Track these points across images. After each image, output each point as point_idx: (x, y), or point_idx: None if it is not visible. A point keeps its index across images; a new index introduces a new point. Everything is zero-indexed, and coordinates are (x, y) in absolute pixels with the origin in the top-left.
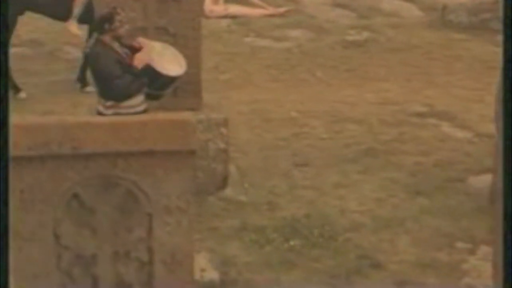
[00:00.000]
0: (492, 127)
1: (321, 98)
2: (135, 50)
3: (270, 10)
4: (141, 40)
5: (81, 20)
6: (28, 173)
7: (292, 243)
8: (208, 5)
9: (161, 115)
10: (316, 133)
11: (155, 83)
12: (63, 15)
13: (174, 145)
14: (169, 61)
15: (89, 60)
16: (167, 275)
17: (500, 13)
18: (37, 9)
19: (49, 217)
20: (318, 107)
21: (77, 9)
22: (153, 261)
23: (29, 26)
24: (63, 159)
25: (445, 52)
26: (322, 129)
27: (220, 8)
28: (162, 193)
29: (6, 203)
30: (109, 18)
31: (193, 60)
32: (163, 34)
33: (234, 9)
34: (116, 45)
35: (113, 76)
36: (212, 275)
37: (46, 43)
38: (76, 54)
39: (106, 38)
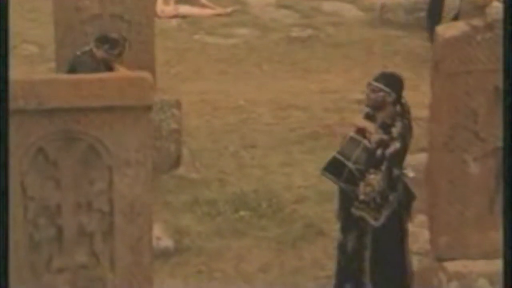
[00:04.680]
0: (426, 112)
1: (267, 89)
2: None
3: (218, 10)
4: (120, 68)
5: None
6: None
7: (241, 213)
8: (160, 6)
9: (120, 73)
10: (263, 119)
11: None
12: None
13: (132, 101)
14: None
15: (73, 62)
16: (126, 224)
17: None
18: None
19: (15, 170)
20: (264, 96)
21: None
22: (114, 211)
23: None
24: (28, 114)
25: (383, 47)
26: (269, 115)
27: (170, 8)
28: (121, 147)
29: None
30: (112, 43)
31: (147, 46)
32: (118, 21)
33: (184, 9)
34: (101, 64)
35: None
36: (167, 242)
37: None
38: (33, 50)
39: (99, 53)
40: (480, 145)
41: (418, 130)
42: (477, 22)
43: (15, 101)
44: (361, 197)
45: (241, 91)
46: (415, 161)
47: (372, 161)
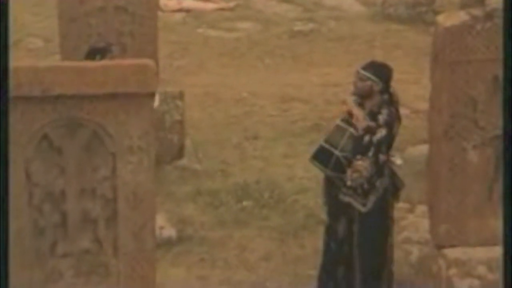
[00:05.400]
0: (426, 105)
1: (270, 82)
2: None
3: (221, 4)
4: None
5: None
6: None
7: (244, 203)
8: (163, 0)
9: (124, 61)
10: (265, 111)
11: None
12: None
13: (135, 88)
14: None
15: None
16: (130, 211)
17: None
18: None
19: (20, 156)
20: (267, 89)
21: None
22: (117, 198)
23: None
24: (33, 101)
25: (384, 41)
26: (271, 107)
27: (174, 2)
28: (124, 134)
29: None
30: (102, 52)
31: (150, 38)
32: (122, 13)
33: (187, 3)
34: None
35: None
36: (170, 232)
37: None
38: (38, 44)
39: None
40: (480, 134)
41: (419, 123)
42: (477, 11)
43: (19, 88)
44: (349, 183)
45: (243, 84)
46: (417, 153)
47: (359, 148)
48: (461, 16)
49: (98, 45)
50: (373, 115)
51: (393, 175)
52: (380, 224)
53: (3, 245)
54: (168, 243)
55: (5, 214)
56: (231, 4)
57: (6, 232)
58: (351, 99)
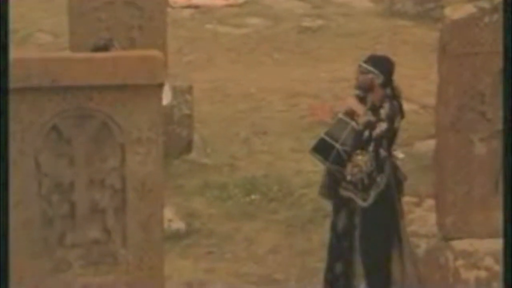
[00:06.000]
0: (434, 100)
1: (278, 77)
2: None
3: (230, 0)
4: None
5: None
6: (10, 105)
7: (252, 197)
8: None
9: (132, 52)
10: (273, 106)
11: None
12: None
13: (143, 79)
14: None
15: None
16: (138, 201)
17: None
18: None
19: (30, 146)
20: (275, 84)
21: None
22: (126, 188)
23: None
24: (42, 92)
25: (392, 37)
26: (279, 102)
27: None
28: (133, 124)
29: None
30: (104, 49)
31: (159, 32)
32: (131, 7)
33: None
34: None
35: None
36: (178, 225)
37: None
38: (48, 39)
39: None
40: (487, 126)
41: (427, 118)
42: (484, 4)
43: (29, 79)
44: (348, 177)
45: (252, 79)
46: (424, 148)
47: (359, 143)
48: (469, 9)
49: (99, 43)
50: (375, 109)
51: (395, 168)
52: (383, 218)
53: (3, 237)
54: (176, 236)
55: (5, 205)
56: (240, 0)
57: (6, 225)
58: (351, 96)
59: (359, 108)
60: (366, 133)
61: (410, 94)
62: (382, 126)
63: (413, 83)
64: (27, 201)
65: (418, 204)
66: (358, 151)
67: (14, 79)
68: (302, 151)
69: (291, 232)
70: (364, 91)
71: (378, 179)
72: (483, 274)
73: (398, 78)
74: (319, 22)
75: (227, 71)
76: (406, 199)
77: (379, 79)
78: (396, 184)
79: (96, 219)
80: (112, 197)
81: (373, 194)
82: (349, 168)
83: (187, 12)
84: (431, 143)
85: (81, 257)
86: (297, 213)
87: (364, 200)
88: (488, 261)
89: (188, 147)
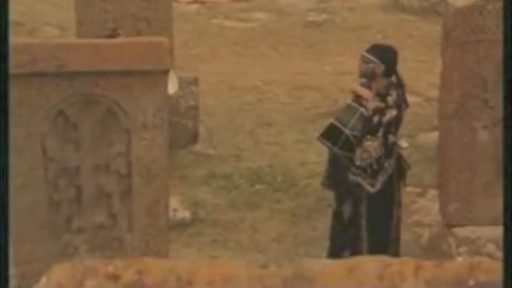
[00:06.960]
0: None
1: (283, 70)
2: None
3: None
4: None
5: None
6: (16, 90)
7: (257, 187)
8: None
9: (138, 38)
10: (279, 98)
11: None
12: None
13: (149, 65)
14: None
15: None
16: (143, 186)
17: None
18: None
19: (36, 131)
20: (280, 77)
21: None
22: (131, 173)
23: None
24: (48, 77)
25: (397, 31)
26: (284, 95)
27: None
28: (139, 110)
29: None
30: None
31: (165, 24)
32: None
33: None
34: None
35: None
36: (184, 214)
37: (25, 23)
38: (55, 33)
39: None
40: (489, 113)
41: (431, 110)
42: None
43: (35, 64)
44: (358, 162)
45: (257, 72)
46: (429, 140)
47: (369, 128)
48: None
49: (104, 34)
50: (381, 97)
51: (399, 157)
52: (386, 205)
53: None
54: (181, 225)
55: (5, 192)
56: None
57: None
58: (357, 83)
59: (365, 93)
60: (376, 118)
61: (414, 87)
62: (392, 113)
63: (418, 76)
64: (34, 186)
65: (422, 195)
66: (368, 137)
67: (21, 65)
68: (307, 142)
69: (295, 222)
70: (367, 79)
71: (386, 164)
72: None
73: (403, 71)
74: (324, 16)
75: (233, 65)
76: (410, 189)
77: (380, 68)
78: (399, 172)
79: (102, 204)
80: (118, 182)
81: (381, 179)
82: (358, 153)
83: (193, 7)
84: (435, 135)
85: (87, 241)
86: (301, 202)
87: (372, 185)
88: (491, 248)
89: (194, 138)
